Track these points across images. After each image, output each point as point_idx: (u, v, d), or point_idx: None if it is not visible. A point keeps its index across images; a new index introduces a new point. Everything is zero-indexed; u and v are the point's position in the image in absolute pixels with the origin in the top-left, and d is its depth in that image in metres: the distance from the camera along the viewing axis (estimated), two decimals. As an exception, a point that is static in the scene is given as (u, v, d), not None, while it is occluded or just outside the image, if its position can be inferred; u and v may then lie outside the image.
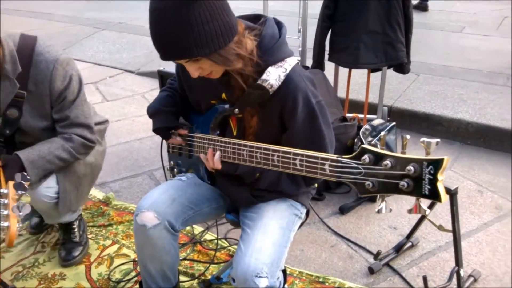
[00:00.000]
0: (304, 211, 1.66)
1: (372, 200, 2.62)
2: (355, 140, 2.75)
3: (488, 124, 3.20)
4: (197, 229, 2.40)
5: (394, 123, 2.77)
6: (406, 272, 2.12)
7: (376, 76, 3.15)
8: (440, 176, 0.94)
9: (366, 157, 1.05)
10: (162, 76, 2.81)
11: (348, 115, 3.07)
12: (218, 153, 1.45)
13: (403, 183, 0.99)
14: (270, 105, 1.40)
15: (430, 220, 2.02)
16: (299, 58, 3.19)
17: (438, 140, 0.99)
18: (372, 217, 2.51)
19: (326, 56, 2.99)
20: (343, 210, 2.54)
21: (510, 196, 2.65)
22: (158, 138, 1.81)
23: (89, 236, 2.40)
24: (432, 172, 0.95)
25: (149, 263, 1.63)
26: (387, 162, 1.01)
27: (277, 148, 1.28)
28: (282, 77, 1.35)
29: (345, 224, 2.46)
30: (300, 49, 3.22)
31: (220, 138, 1.48)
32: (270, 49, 1.35)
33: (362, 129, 2.67)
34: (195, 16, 1.17)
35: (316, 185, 1.74)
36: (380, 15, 2.78)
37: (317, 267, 2.17)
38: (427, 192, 0.97)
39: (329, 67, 3.04)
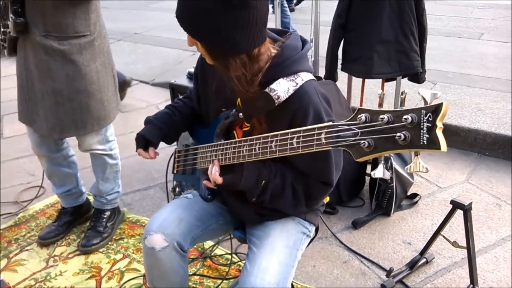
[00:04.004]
0: (313, 229, 1.63)
1: (387, 214, 2.57)
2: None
3: (506, 134, 3.11)
4: (208, 243, 2.38)
5: (408, 134, 2.71)
6: (420, 289, 2.06)
7: (391, 86, 3.10)
8: (439, 123, 0.88)
9: (362, 116, 0.99)
10: (173, 89, 2.82)
11: (362, 125, 3.01)
12: (215, 168, 1.41)
13: (399, 135, 0.92)
14: (280, 117, 1.36)
15: (444, 236, 1.97)
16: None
17: (438, 93, 0.94)
18: (386, 232, 2.45)
19: (339, 66, 2.95)
20: (356, 225, 2.49)
21: (530, 210, 2.57)
22: (170, 150, 1.80)
23: (100, 250, 2.41)
24: (430, 119, 0.89)
25: (158, 283, 1.62)
26: (384, 116, 0.95)
27: (276, 133, 1.25)
28: (291, 91, 1.32)
29: (358, 239, 2.41)
30: (313, 59, 3.19)
31: (221, 142, 1.45)
32: (288, 59, 1.34)
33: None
34: (214, 14, 1.20)
35: (325, 200, 1.70)
36: (393, 24, 2.73)
37: (329, 283, 2.13)
38: (425, 142, 0.89)
39: (343, 76, 3.00)
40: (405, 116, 0.91)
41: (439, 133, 0.88)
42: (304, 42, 1.42)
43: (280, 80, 1.33)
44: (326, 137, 1.09)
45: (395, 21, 2.73)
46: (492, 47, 4.99)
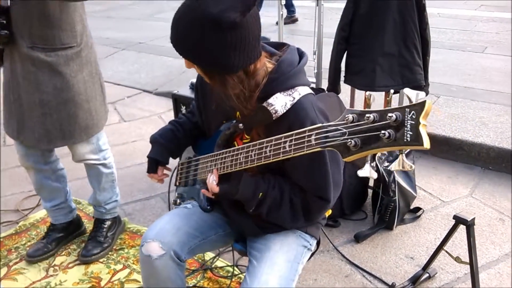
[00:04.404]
0: (314, 242, 1.62)
1: (389, 227, 2.55)
2: (372, 164, 2.70)
3: (510, 148, 3.10)
4: (208, 255, 2.36)
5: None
6: (422, 305, 2.04)
7: (394, 98, 3.09)
8: (422, 120, 0.89)
9: (349, 116, 1.01)
10: (176, 99, 2.82)
11: (364, 138, 3.00)
12: (212, 176, 1.42)
13: (384, 132, 0.93)
14: (277, 130, 1.36)
15: (447, 252, 1.96)
16: (313, 80, 3.16)
17: (422, 93, 0.95)
18: (388, 246, 2.43)
19: (342, 78, 2.95)
20: (358, 238, 2.47)
21: (534, 225, 2.54)
22: (174, 161, 1.81)
23: (100, 260, 2.39)
24: (414, 117, 0.90)
25: None
26: (370, 115, 0.96)
27: (270, 138, 1.26)
28: (289, 106, 1.33)
29: (360, 252, 2.39)
30: (316, 71, 3.20)
31: (220, 152, 1.46)
32: (285, 75, 1.34)
33: (378, 154, 2.61)
34: (206, 37, 1.22)
35: (327, 213, 1.68)
36: (396, 38, 2.74)
37: (330, 297, 2.11)
38: (408, 139, 0.90)
39: (346, 88, 3.00)
40: (389, 114, 0.93)
41: (422, 130, 0.89)
42: (301, 55, 1.42)
43: (277, 94, 1.33)
44: (315, 138, 1.11)
45: (398, 34, 2.73)
46: (495, 61, 4.98)
